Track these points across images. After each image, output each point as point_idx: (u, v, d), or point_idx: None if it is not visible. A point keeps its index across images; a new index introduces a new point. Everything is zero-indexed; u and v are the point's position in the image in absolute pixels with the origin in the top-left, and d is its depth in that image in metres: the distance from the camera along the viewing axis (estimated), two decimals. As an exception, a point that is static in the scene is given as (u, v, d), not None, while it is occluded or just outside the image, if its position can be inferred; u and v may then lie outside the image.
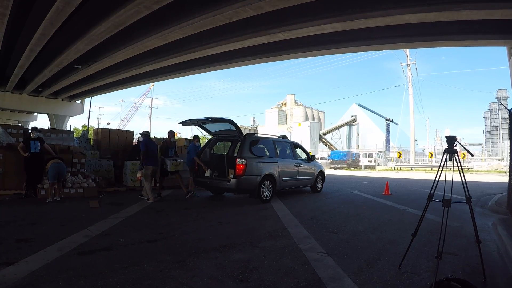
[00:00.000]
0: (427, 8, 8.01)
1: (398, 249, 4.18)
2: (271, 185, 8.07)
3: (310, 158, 10.08)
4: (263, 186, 7.85)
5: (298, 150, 9.95)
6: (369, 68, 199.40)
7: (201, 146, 9.19)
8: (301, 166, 9.35)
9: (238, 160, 7.56)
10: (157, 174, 8.24)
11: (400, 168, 34.28)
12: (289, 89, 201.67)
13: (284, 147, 9.27)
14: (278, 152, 8.77)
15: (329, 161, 38.66)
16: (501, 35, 9.13)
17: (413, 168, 33.68)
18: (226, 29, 10.76)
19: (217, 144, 9.20)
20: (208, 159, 8.81)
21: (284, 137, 10.04)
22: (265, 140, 8.86)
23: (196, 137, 9.54)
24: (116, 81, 20.52)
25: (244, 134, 8.31)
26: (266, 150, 8.65)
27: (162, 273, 3.22)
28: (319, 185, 10.39)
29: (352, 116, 57.02)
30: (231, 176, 7.70)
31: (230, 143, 9.56)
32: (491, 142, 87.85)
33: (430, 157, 41.39)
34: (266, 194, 7.92)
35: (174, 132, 8.63)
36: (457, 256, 4.03)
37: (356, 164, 37.73)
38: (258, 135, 9.14)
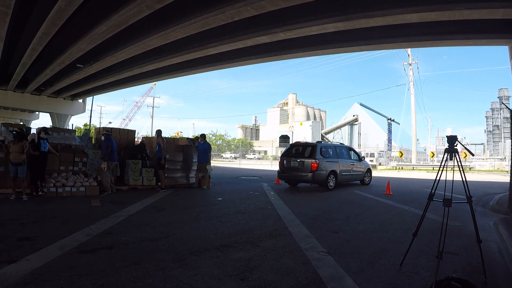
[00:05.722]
0: (428, 7, 7.98)
1: (399, 248, 4.18)
2: (334, 178, 10.80)
3: (361, 159, 12.89)
4: (329, 178, 10.57)
5: (352, 153, 12.70)
6: (371, 67, 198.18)
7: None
8: (354, 164, 12.19)
9: (312, 160, 10.24)
10: (117, 169, 9.24)
11: (402, 168, 34.12)
12: (291, 89, 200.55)
13: (342, 150, 12.06)
14: (338, 154, 11.52)
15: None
16: (503, 35, 9.08)
17: (414, 168, 33.53)
18: (228, 29, 10.75)
19: (294, 148, 11.63)
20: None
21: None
22: (329, 145, 12.09)
23: (202, 136, 10.75)
24: (118, 80, 20.54)
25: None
26: (330, 152, 11.28)
27: (163, 271, 3.24)
28: (367, 179, 13.16)
29: (353, 116, 56.92)
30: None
31: (301, 148, 11.75)
32: (493, 142, 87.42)
33: (432, 156, 41.29)
34: (331, 184, 10.67)
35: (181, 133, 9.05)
36: (458, 255, 4.04)
37: (357, 164, 37.56)
38: (324, 143, 12.37)
